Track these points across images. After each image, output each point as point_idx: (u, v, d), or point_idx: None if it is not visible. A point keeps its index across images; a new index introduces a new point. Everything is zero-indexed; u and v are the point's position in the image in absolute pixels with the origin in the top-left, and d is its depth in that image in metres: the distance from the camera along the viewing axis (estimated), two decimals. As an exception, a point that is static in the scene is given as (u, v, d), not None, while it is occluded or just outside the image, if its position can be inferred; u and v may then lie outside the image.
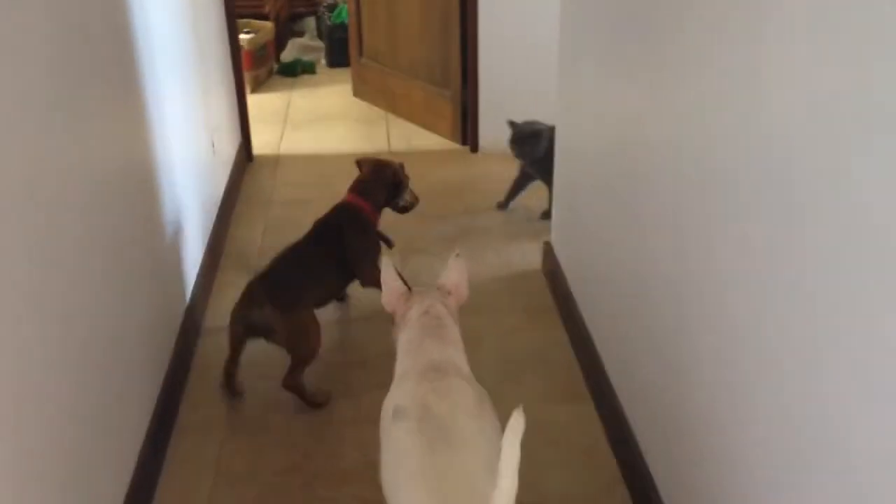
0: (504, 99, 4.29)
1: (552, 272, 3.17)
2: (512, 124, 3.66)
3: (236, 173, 4.01)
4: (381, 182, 2.92)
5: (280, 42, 5.87)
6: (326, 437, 2.46)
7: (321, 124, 4.90)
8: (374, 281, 2.94)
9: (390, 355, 1.96)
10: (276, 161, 4.38)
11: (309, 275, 2.67)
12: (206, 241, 3.26)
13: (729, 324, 1.66)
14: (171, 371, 2.55)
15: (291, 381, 2.53)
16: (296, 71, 5.68)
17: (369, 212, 2.88)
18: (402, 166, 3.00)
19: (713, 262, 1.74)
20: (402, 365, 1.86)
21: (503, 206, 3.85)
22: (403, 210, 3.01)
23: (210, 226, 3.38)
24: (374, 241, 2.89)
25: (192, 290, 2.95)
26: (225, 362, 2.60)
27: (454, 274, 2.06)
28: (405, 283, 2.05)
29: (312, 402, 2.56)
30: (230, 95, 4.15)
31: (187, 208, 2.97)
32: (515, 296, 3.15)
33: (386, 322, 2.10)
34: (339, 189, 4.09)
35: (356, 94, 5.22)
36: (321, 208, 3.90)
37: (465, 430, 1.60)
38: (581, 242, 2.90)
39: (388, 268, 2.01)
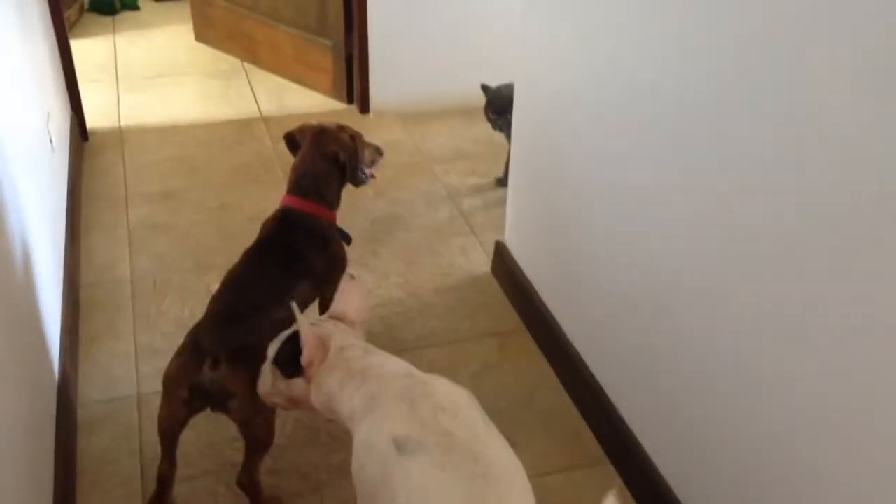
0: (399, 48, 3.61)
1: (512, 280, 2.62)
2: (486, 89, 3.05)
3: (73, 162, 3.10)
4: (326, 168, 2.18)
5: (89, -30, 4.75)
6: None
7: (164, 81, 3.97)
8: None
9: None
10: (118, 137, 3.47)
11: (264, 312, 1.96)
12: (61, 274, 2.43)
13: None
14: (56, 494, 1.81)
15: (249, 478, 1.85)
16: (114, 7, 4.62)
17: (323, 214, 2.17)
18: (345, 130, 2.26)
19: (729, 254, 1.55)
20: (360, 395, 1.49)
21: (503, 181, 3.20)
22: (362, 182, 2.31)
23: (61, 249, 2.53)
24: (338, 252, 2.22)
25: (59, 357, 2.16)
26: (159, 464, 1.85)
27: (353, 299, 1.73)
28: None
29: (266, 512, 1.91)
30: (49, 49, 3.17)
31: (34, 227, 2.14)
32: (474, 315, 2.58)
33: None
34: (208, 175, 3.31)
35: (199, 38, 4.30)
36: (195, 202, 3.13)
37: (492, 449, 1.37)
38: (552, 241, 2.38)
39: (304, 325, 1.58)
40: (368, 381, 1.51)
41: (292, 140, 2.28)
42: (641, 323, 1.93)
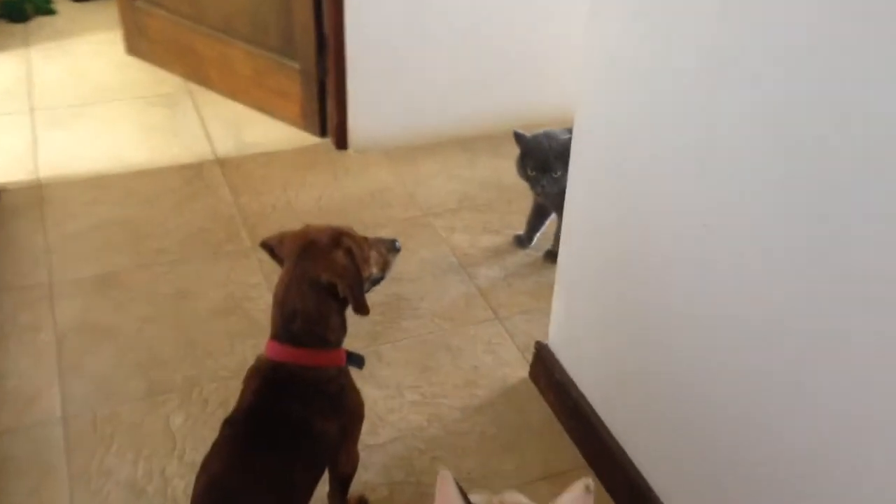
0: (383, 70, 2.97)
1: (561, 394, 2.05)
2: (520, 138, 2.39)
3: (-21, 239, 2.41)
4: (321, 303, 1.54)
5: (-7, -32, 3.95)
6: None
7: (93, 111, 3.24)
8: (353, 464, 1.71)
9: None
10: (37, 196, 2.75)
11: None
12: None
13: None
14: None
15: None
16: (25, 13, 3.83)
17: (329, 360, 1.57)
18: (339, 244, 1.57)
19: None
20: None
21: (525, 241, 2.64)
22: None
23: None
24: (353, 403, 1.63)
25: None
26: None
27: None
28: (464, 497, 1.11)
29: None
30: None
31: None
32: (517, 445, 2.00)
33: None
34: (157, 246, 2.61)
35: (131, 51, 3.57)
36: (143, 289, 2.48)
37: None
38: (619, 347, 1.83)
39: (447, 485, 1.09)
40: None
41: (271, 251, 1.65)
42: (756, 466, 1.39)
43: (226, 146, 3.05)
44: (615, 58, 1.64)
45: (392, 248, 1.73)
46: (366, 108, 3.02)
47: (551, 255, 2.59)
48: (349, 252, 1.57)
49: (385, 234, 2.65)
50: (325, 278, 1.52)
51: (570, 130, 2.45)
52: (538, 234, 2.65)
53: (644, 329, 1.72)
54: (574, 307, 2.02)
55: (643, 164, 1.62)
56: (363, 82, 2.97)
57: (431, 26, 2.94)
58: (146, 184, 2.82)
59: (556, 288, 2.07)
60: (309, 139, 3.12)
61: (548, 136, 2.37)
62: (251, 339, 2.23)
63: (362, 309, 1.58)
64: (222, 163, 2.95)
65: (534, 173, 2.35)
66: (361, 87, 2.98)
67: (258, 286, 2.41)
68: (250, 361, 1.57)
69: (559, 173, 2.31)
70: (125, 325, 2.27)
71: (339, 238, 1.58)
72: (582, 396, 1.98)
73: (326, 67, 2.98)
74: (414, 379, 2.16)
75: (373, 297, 2.40)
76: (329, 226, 1.62)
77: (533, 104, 3.19)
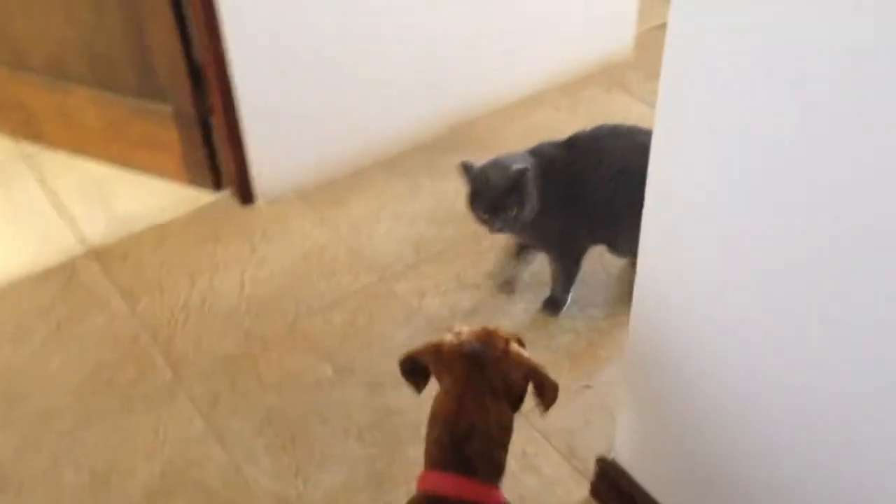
0: (282, 96, 2.32)
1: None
2: (466, 170, 1.89)
3: None
4: (502, 416, 1.27)
5: None
6: None
7: None
8: None
9: None
10: None
11: None
12: None
13: None
14: None
15: None
16: None
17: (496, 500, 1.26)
18: (506, 340, 1.32)
19: None
20: None
21: (512, 286, 2.16)
22: None
23: None
24: None
25: None
26: None
27: None
28: None
29: None
30: None
31: None
32: None
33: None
34: (43, 407, 1.79)
35: (-70, 110, 2.72)
36: (42, 483, 1.96)
37: None
38: (724, 461, 1.38)
39: None
40: None
41: (413, 368, 1.35)
42: None
43: (95, 228, 2.33)
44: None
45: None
46: (268, 146, 2.37)
47: (552, 304, 2.10)
48: (520, 342, 1.34)
49: (341, 319, 2.08)
50: (518, 376, 1.28)
51: (531, 153, 1.96)
52: (524, 275, 2.15)
53: (754, 442, 1.26)
54: (652, 415, 1.53)
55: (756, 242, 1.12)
56: (260, 115, 2.30)
57: (332, 31, 2.30)
58: (2, 311, 2.09)
59: (624, 392, 1.57)
60: (201, 197, 2.43)
61: (496, 167, 1.91)
62: (216, 527, 1.64)
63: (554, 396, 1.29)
64: (99, 255, 2.24)
65: (486, 216, 1.88)
66: (259, 121, 2.31)
67: (203, 439, 1.79)
68: None
69: (514, 210, 1.87)
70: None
71: (499, 334, 1.31)
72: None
73: (209, 104, 2.30)
74: (451, 537, 1.64)
75: (359, 417, 1.88)
76: (478, 328, 1.34)
77: (458, 106, 2.65)
